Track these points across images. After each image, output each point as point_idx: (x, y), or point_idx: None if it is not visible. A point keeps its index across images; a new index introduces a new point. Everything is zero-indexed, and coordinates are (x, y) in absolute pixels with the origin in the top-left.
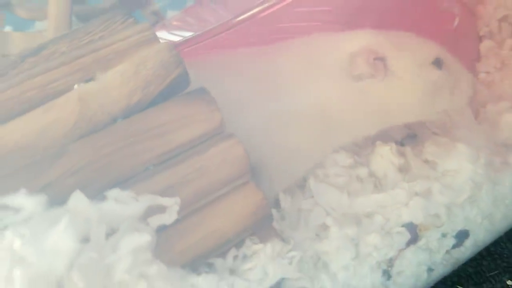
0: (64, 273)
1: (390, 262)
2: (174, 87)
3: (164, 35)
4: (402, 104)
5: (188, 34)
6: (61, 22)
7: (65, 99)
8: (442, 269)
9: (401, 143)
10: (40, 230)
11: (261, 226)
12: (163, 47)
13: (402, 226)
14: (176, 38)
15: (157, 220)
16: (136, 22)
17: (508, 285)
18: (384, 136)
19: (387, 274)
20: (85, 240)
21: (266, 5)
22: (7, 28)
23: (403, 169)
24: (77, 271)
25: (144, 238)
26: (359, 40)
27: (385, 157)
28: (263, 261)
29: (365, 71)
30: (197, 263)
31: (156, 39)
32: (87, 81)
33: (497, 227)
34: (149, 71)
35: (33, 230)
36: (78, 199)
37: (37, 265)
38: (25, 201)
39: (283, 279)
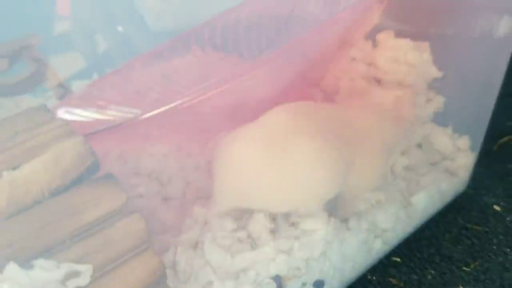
0: None
1: None
2: (87, 173)
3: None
4: None
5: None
6: None
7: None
8: None
9: None
10: None
11: (158, 284)
12: (79, 141)
13: (270, 278)
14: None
15: (74, 283)
16: (54, 117)
17: None
18: None
19: None
20: None
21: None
22: None
23: (273, 231)
24: None
25: None
26: None
27: (260, 222)
28: None
29: None
30: None
31: (72, 133)
32: (14, 168)
33: (347, 277)
34: (67, 161)
35: None
36: (12, 269)
37: None
38: None
39: None
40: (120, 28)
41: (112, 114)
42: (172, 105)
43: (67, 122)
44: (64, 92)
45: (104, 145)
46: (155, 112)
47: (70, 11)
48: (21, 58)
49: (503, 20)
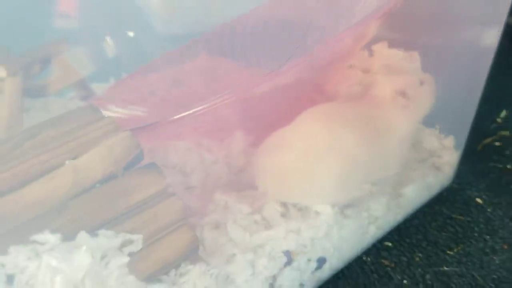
0: (80, 280)
1: (274, 278)
2: (133, 162)
3: None
4: None
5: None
6: (15, 104)
7: (63, 170)
8: (309, 286)
9: None
10: (66, 254)
11: (192, 254)
12: (127, 135)
13: (282, 252)
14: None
15: (128, 249)
16: (103, 116)
17: None
18: None
19: (272, 287)
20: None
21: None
22: None
23: (284, 215)
24: (88, 279)
25: (124, 259)
26: None
27: (272, 207)
28: (193, 276)
29: None
30: (151, 278)
31: (119, 129)
32: (74, 158)
33: (345, 257)
34: (118, 152)
35: (61, 254)
36: (83, 236)
37: (68, 274)
38: (48, 237)
39: None
40: (128, 33)
41: (132, 115)
42: (191, 111)
43: (113, 120)
44: (87, 94)
45: None
46: (177, 116)
47: (78, 15)
48: (50, 63)
49: (485, 31)
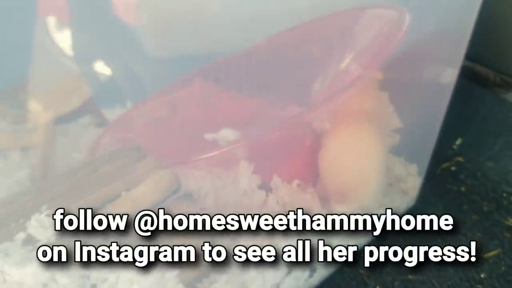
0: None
1: (278, 285)
2: (175, 191)
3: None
4: None
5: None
6: (48, 134)
7: (123, 199)
8: None
9: None
10: None
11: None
12: (169, 172)
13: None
14: None
15: None
16: (145, 155)
17: None
18: None
19: None
20: None
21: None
22: None
23: None
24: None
25: (175, 272)
26: None
27: None
28: (221, 284)
29: None
30: (190, 285)
31: (162, 167)
32: (127, 190)
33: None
34: (162, 184)
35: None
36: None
37: (143, 284)
38: None
39: None
40: (121, 59)
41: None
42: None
43: (155, 160)
44: (101, 121)
45: None
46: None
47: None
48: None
49: (445, 71)
